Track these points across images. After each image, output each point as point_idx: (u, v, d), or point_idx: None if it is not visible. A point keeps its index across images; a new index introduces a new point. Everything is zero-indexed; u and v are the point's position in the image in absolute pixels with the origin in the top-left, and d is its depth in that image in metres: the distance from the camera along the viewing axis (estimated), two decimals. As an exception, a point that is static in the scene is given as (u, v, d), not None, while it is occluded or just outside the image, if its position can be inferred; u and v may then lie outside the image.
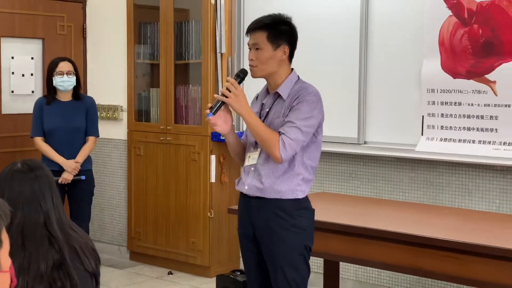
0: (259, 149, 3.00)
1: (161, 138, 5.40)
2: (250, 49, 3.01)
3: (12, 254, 2.09)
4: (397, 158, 4.49)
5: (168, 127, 5.37)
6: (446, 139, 4.17)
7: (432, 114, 4.22)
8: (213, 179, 5.18)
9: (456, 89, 4.12)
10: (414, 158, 4.38)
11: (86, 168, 4.75)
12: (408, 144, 4.34)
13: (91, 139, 4.78)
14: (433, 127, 4.22)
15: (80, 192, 4.74)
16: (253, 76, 3.02)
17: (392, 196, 4.54)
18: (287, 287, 2.97)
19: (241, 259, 5.33)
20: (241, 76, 3.00)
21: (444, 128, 4.19)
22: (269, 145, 2.88)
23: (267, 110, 3.02)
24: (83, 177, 4.68)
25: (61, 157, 4.62)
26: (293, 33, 3.03)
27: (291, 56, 3.03)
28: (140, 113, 5.64)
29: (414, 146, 4.28)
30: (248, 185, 3.01)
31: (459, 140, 4.13)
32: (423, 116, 4.26)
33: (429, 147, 4.22)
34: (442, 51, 4.15)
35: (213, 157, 5.17)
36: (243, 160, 3.13)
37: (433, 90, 4.21)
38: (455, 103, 4.14)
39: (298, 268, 3.00)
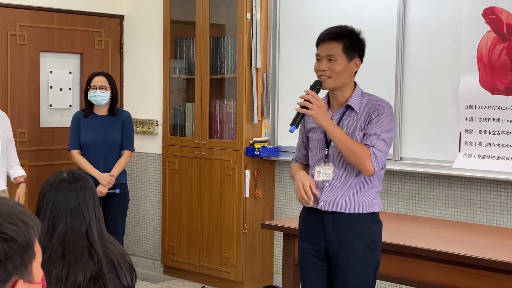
0: (331, 164, 2.95)
1: (196, 153, 5.41)
2: (318, 60, 2.96)
3: (52, 262, 2.11)
4: (433, 175, 4.43)
5: (203, 142, 5.38)
6: (484, 156, 4.10)
7: (470, 130, 4.15)
8: (247, 194, 5.17)
9: (495, 105, 4.05)
10: (451, 175, 4.31)
11: (121, 182, 4.78)
12: (445, 160, 4.28)
13: (126, 153, 4.82)
14: (471, 143, 4.15)
15: (114, 206, 4.77)
16: (324, 87, 2.95)
17: (428, 213, 4.48)
18: None
19: (275, 274, 5.31)
20: (317, 87, 2.92)
21: (482, 145, 4.11)
22: (360, 158, 2.83)
23: (336, 123, 2.94)
24: (117, 191, 4.72)
25: (97, 170, 4.67)
26: (364, 46, 3.01)
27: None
28: (175, 127, 5.68)
29: (451, 163, 4.21)
30: (324, 201, 2.95)
31: (497, 157, 4.05)
32: (460, 132, 4.20)
33: (467, 164, 4.15)
34: (481, 66, 4.09)
35: (247, 172, 5.17)
36: None
37: (471, 106, 4.14)
38: (493, 119, 4.06)
39: (369, 285, 2.97)
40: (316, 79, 2.96)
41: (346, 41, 2.93)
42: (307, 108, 2.83)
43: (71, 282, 2.09)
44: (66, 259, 2.12)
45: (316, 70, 2.96)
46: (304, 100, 2.84)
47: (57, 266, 2.10)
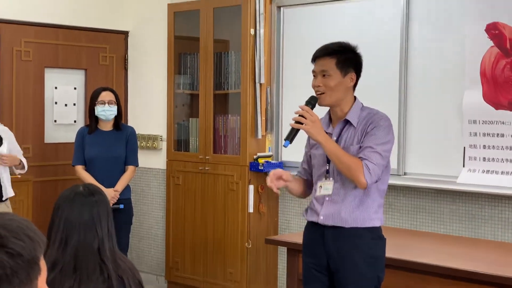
0: (331, 179, 2.97)
1: (200, 168, 5.42)
2: (315, 76, 2.99)
3: (64, 275, 2.11)
4: (437, 190, 4.42)
5: (207, 157, 5.39)
6: (488, 171, 4.10)
7: (474, 145, 4.15)
8: (251, 209, 5.17)
9: (499, 120, 4.05)
10: (455, 190, 4.31)
11: (125, 197, 4.79)
12: (449, 175, 4.27)
13: (130, 168, 4.83)
14: (475, 158, 4.15)
15: (118, 221, 4.71)
16: (320, 103, 2.97)
17: (432, 228, 4.46)
18: None
19: (278, 290, 5.29)
20: (312, 103, 2.94)
21: (486, 160, 4.11)
22: (353, 170, 2.84)
23: (335, 138, 2.97)
24: (121, 206, 4.72)
25: (100, 186, 4.67)
26: (360, 61, 3.02)
27: (355, 83, 3.02)
28: (179, 142, 5.69)
29: (455, 178, 4.21)
30: (323, 215, 2.97)
31: (502, 172, 4.04)
32: (464, 147, 4.19)
33: (471, 179, 4.14)
34: (484, 82, 4.10)
35: (251, 187, 5.17)
36: (300, 195, 3.14)
37: (475, 121, 4.15)
38: (497, 134, 4.06)
39: None
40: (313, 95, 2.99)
41: (340, 56, 2.95)
42: (302, 124, 2.85)
43: None
44: (78, 273, 2.12)
45: (313, 86, 3.00)
46: (299, 116, 2.86)
47: (69, 279, 2.11)
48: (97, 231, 2.17)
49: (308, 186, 3.15)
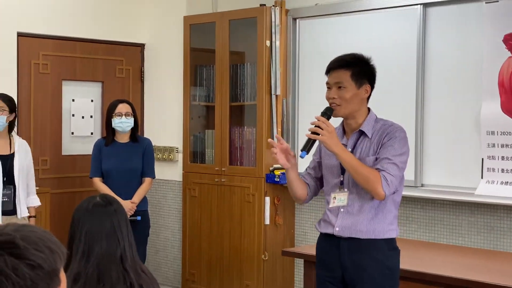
0: (346, 190, 2.96)
1: (216, 180, 5.42)
2: (329, 88, 2.99)
3: (89, 286, 2.11)
4: (455, 202, 4.39)
5: (223, 169, 5.39)
6: (507, 182, 4.06)
7: (492, 156, 4.12)
8: (267, 221, 5.16)
9: (517, 131, 4.02)
10: (474, 202, 4.27)
11: (142, 209, 4.80)
12: (467, 187, 4.24)
13: (147, 180, 4.84)
14: (493, 170, 4.12)
15: (135, 233, 4.73)
16: (335, 115, 2.97)
17: (451, 240, 4.43)
18: None
19: (295, 303, 5.27)
20: (328, 114, 2.94)
21: (505, 171, 4.08)
22: (371, 182, 2.84)
23: (350, 150, 2.96)
24: (139, 218, 4.73)
25: (118, 198, 4.68)
26: (374, 73, 3.03)
27: (369, 95, 3.02)
28: (195, 154, 5.70)
29: (473, 190, 4.18)
30: (339, 226, 2.95)
31: (521, 184, 4.01)
32: (482, 159, 4.17)
33: (489, 190, 4.11)
34: (502, 92, 4.08)
35: (267, 199, 5.16)
36: (300, 197, 3.09)
37: (493, 132, 4.12)
38: (515, 145, 4.03)
39: None
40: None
41: (354, 68, 2.96)
42: (318, 134, 2.84)
43: None
44: (101, 284, 2.12)
45: (327, 98, 2.99)
46: (315, 126, 2.86)
47: None
48: (119, 240, 2.18)
49: (309, 191, 3.12)
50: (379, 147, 2.92)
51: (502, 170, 4.09)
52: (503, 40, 4.06)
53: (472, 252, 3.97)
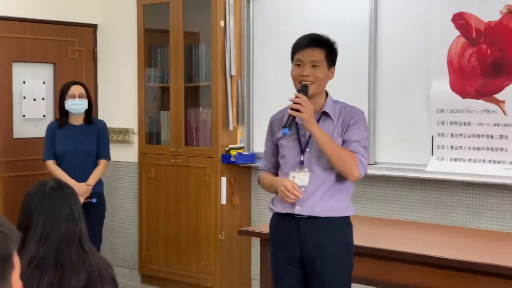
0: (306, 169, 2.97)
1: (172, 161, 5.42)
2: (299, 65, 2.96)
3: (43, 270, 2.10)
4: (407, 179, 4.49)
5: (179, 150, 5.39)
6: (456, 159, 4.17)
7: (442, 134, 4.22)
8: (223, 201, 5.19)
9: (466, 109, 4.12)
10: (424, 178, 4.38)
11: (97, 191, 4.77)
12: (418, 164, 4.34)
13: (102, 162, 4.80)
14: (443, 147, 4.22)
15: (91, 215, 4.72)
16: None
17: (402, 216, 4.53)
18: None
19: (252, 280, 5.33)
20: (304, 91, 2.92)
21: (454, 148, 4.18)
22: (349, 164, 2.88)
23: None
24: (94, 200, 4.70)
25: (73, 180, 4.64)
26: (337, 57, 3.05)
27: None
28: (150, 135, 5.68)
29: (424, 166, 4.27)
30: (300, 205, 2.96)
31: (469, 160, 4.12)
32: (432, 136, 4.26)
33: (439, 167, 4.21)
34: (451, 71, 4.17)
35: (223, 179, 5.19)
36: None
37: (442, 110, 4.21)
38: (464, 123, 4.14)
39: (346, 287, 3.00)
40: (295, 84, 2.97)
41: (328, 49, 2.98)
42: (299, 111, 2.85)
43: None
44: (59, 266, 2.13)
45: (297, 76, 2.96)
46: (295, 103, 2.86)
47: (49, 274, 2.11)
48: (78, 222, 2.20)
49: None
50: (345, 129, 2.95)
51: (452, 147, 4.19)
52: (451, 20, 4.14)
53: (424, 227, 4.07)
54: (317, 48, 2.95)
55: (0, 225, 1.26)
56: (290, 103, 2.88)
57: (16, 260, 1.27)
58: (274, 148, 3.12)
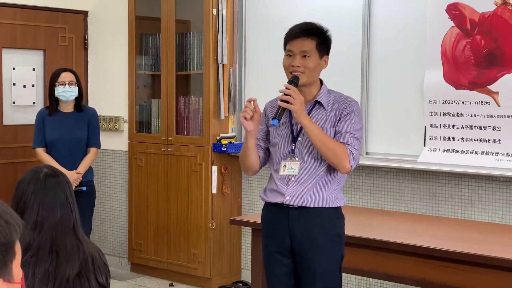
0: (297, 159, 2.95)
1: (162, 149, 5.39)
2: (290, 55, 2.94)
3: (40, 257, 2.09)
4: (399, 169, 4.48)
5: (170, 138, 5.36)
6: (449, 150, 4.16)
7: (435, 125, 4.21)
8: (214, 190, 5.17)
9: (459, 100, 4.11)
10: (417, 169, 4.37)
11: (87, 179, 4.73)
12: (411, 155, 4.33)
13: (92, 150, 4.77)
14: (436, 138, 4.21)
15: (81, 204, 4.64)
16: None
17: (394, 207, 4.53)
18: None
19: (243, 270, 5.32)
20: (295, 82, 2.89)
21: (447, 139, 4.18)
22: (340, 156, 2.85)
23: None
24: (84, 188, 4.67)
25: (63, 168, 4.60)
26: (330, 45, 3.02)
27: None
28: (141, 124, 5.64)
29: (417, 157, 4.27)
30: (289, 195, 2.94)
31: (462, 151, 4.11)
32: (425, 127, 4.25)
33: (432, 158, 4.21)
34: (445, 62, 4.15)
35: (214, 168, 5.17)
36: (253, 167, 3.04)
37: (435, 101, 4.20)
38: (457, 114, 4.13)
39: (336, 278, 2.99)
40: (287, 74, 2.95)
41: (319, 39, 2.94)
42: (289, 103, 2.82)
43: (60, 277, 2.09)
44: (54, 253, 2.12)
45: (288, 66, 2.94)
46: (285, 95, 2.83)
47: (45, 261, 2.10)
48: (72, 210, 2.19)
49: (259, 162, 3.07)
50: (337, 119, 2.93)
51: (444, 138, 4.18)
52: (446, 10, 4.12)
53: (415, 218, 4.07)
54: (308, 38, 2.92)
55: (3, 212, 1.25)
56: (281, 94, 2.86)
57: (17, 248, 1.27)
58: (264, 134, 3.09)
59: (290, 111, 2.92)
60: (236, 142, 5.17)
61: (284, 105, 2.84)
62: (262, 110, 3.05)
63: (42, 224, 2.14)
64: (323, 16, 4.65)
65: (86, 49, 5.97)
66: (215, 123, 5.17)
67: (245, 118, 2.91)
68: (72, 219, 2.18)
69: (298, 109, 2.82)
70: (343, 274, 4.19)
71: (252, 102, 2.93)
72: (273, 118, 2.88)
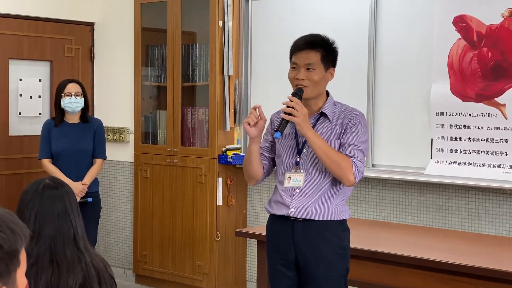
0: (302, 170, 2.94)
1: (168, 161, 5.38)
2: (295, 68, 2.93)
3: (40, 268, 2.09)
4: (405, 182, 4.46)
5: (175, 149, 5.36)
6: (456, 162, 4.14)
7: (442, 137, 4.19)
8: (219, 202, 5.16)
9: (466, 112, 4.10)
10: (423, 182, 4.35)
11: (93, 190, 4.73)
12: (417, 167, 4.32)
13: (98, 161, 4.77)
14: (442, 150, 4.19)
15: (86, 215, 4.67)
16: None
17: (401, 219, 4.51)
18: None
19: (248, 282, 5.30)
20: (299, 94, 2.88)
21: (454, 152, 4.16)
22: (343, 168, 2.83)
23: None
24: (90, 199, 4.67)
25: (68, 179, 4.61)
26: (337, 56, 3.00)
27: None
28: (147, 135, 5.64)
29: (423, 170, 4.25)
30: (294, 207, 2.92)
31: (469, 164, 4.09)
32: (432, 139, 4.24)
33: (438, 170, 4.19)
34: (451, 74, 4.14)
35: (220, 180, 5.15)
36: (256, 175, 3.03)
37: (442, 113, 4.19)
38: (464, 126, 4.11)
39: None
40: (293, 87, 2.95)
41: (324, 51, 2.93)
42: (292, 115, 2.81)
43: (62, 287, 2.08)
44: (55, 264, 2.11)
45: (293, 79, 2.94)
46: (288, 107, 2.82)
47: (46, 272, 2.09)
48: (71, 221, 2.17)
49: (263, 171, 3.05)
50: (343, 131, 2.92)
51: (451, 150, 4.16)
52: (452, 22, 4.12)
53: (422, 231, 4.04)
54: (312, 50, 2.91)
55: (8, 221, 1.25)
56: (285, 106, 2.85)
57: (22, 257, 1.27)
58: (269, 144, 3.08)
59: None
60: (242, 154, 5.16)
61: (287, 117, 2.83)
62: (268, 119, 3.05)
63: (39, 235, 2.14)
64: (329, 28, 4.65)
65: (92, 60, 5.98)
66: (220, 135, 5.17)
67: (249, 124, 2.90)
68: (72, 230, 2.17)
69: (301, 121, 2.81)
70: (350, 287, 4.17)
71: (257, 109, 2.92)
72: (275, 131, 2.87)
